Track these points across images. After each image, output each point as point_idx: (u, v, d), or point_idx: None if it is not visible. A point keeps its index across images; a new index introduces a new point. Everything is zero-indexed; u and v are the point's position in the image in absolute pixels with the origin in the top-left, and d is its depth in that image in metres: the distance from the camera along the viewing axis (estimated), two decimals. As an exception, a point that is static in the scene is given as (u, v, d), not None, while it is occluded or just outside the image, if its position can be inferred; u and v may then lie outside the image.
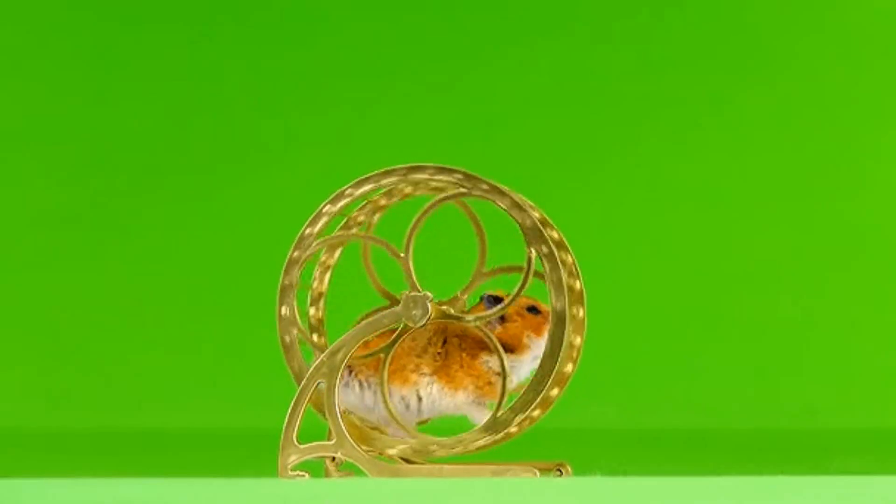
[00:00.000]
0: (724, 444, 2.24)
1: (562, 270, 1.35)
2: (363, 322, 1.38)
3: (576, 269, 1.41)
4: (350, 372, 1.40)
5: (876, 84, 2.66)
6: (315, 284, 1.47)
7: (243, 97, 2.71)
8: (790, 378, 2.54)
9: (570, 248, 1.40)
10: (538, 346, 1.38)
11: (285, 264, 1.40)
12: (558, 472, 1.40)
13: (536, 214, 1.37)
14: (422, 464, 1.39)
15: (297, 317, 1.40)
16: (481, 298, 1.39)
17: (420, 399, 1.39)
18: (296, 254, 1.40)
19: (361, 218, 1.45)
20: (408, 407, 1.39)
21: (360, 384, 1.40)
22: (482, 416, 1.38)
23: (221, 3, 2.73)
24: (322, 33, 2.72)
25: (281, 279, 1.40)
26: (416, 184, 1.41)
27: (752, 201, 2.64)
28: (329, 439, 1.37)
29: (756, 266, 2.61)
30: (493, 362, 1.39)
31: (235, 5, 2.73)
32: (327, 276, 1.47)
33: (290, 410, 1.37)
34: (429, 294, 1.37)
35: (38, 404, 2.56)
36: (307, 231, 1.40)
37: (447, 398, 1.39)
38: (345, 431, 1.37)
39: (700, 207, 2.64)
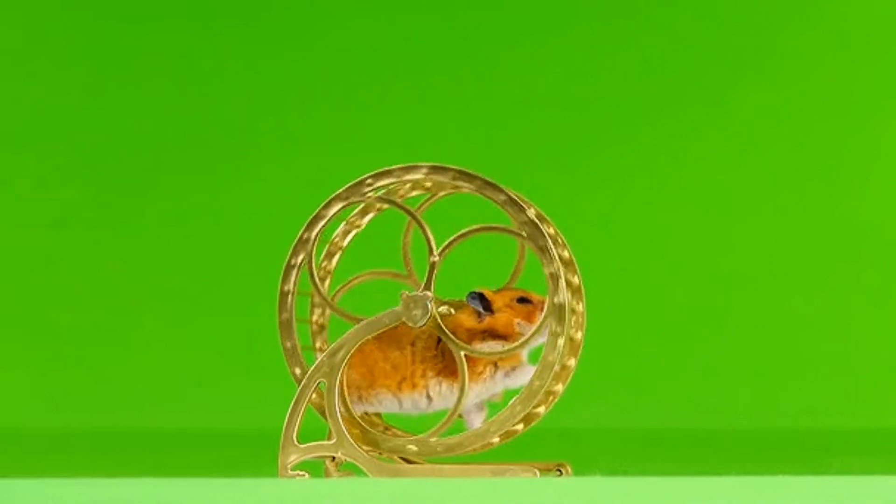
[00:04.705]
0: (724, 444, 2.24)
1: (481, 179, 1.36)
2: (363, 322, 1.38)
3: (573, 265, 1.41)
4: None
5: (876, 84, 2.66)
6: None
7: (243, 97, 2.71)
8: (790, 378, 2.54)
9: (566, 244, 1.41)
10: (530, 332, 1.38)
11: (284, 268, 1.41)
12: (558, 472, 1.41)
13: (567, 256, 1.39)
14: (422, 464, 1.39)
15: (294, 325, 1.40)
16: (467, 297, 1.39)
17: (430, 398, 1.40)
18: (292, 261, 1.40)
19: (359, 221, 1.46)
20: (419, 408, 1.40)
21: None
22: (479, 418, 1.38)
23: (221, 3, 2.73)
24: (321, 33, 2.72)
25: (280, 284, 1.41)
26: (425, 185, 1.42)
27: (752, 201, 2.64)
28: (329, 439, 1.37)
29: (756, 266, 2.61)
30: (486, 348, 1.39)
31: (235, 5, 2.73)
32: (327, 282, 1.47)
33: (290, 410, 1.38)
34: (428, 294, 1.37)
35: (38, 404, 2.56)
36: (304, 235, 1.40)
37: (457, 393, 1.39)
38: (345, 431, 1.37)
39: (700, 207, 2.64)
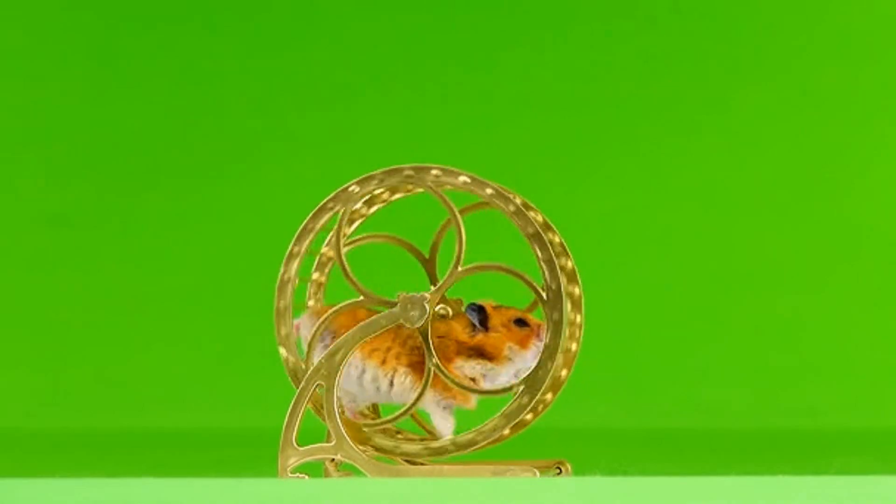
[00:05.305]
0: (724, 444, 2.24)
1: (466, 176, 1.36)
2: (361, 323, 1.38)
3: (565, 250, 1.41)
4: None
5: (876, 84, 2.66)
6: (311, 303, 1.47)
7: (243, 97, 2.71)
8: (790, 378, 2.54)
9: (556, 230, 1.41)
10: (521, 359, 1.38)
11: (278, 286, 1.41)
12: (558, 471, 1.41)
13: (410, 167, 1.38)
14: (422, 464, 1.39)
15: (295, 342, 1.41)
16: (466, 307, 1.39)
17: (392, 385, 1.39)
18: (285, 276, 1.41)
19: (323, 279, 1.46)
20: (378, 389, 1.40)
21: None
22: (445, 426, 1.38)
23: (221, 3, 2.73)
24: (321, 33, 2.72)
25: (279, 276, 1.41)
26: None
27: (752, 201, 2.64)
28: (328, 441, 1.37)
29: (756, 266, 2.61)
30: (466, 368, 1.39)
31: (235, 5, 2.73)
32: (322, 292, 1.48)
33: (289, 412, 1.37)
34: (426, 294, 1.37)
35: (38, 404, 2.56)
36: (309, 225, 1.41)
37: (414, 393, 1.38)
38: (344, 433, 1.37)
39: (700, 207, 2.64)
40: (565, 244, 1.41)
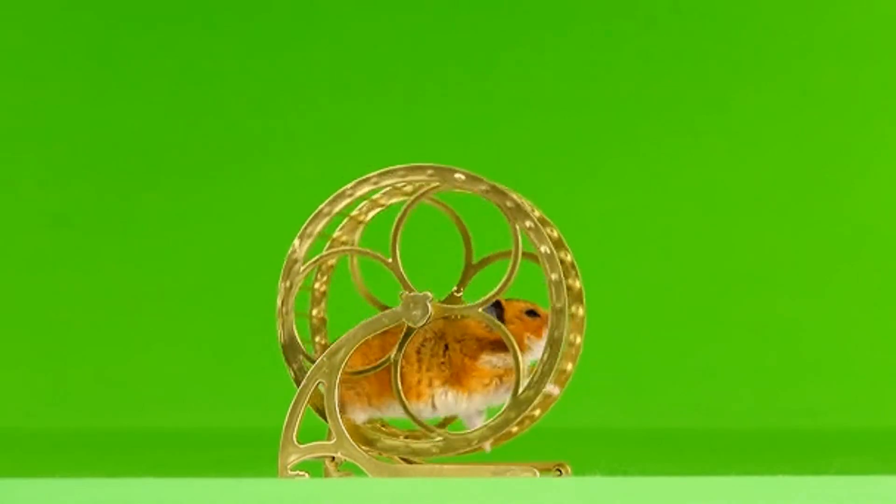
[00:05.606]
0: (724, 444, 2.24)
1: (550, 242, 1.35)
2: (362, 322, 1.38)
3: (574, 269, 1.41)
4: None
5: (876, 84, 2.66)
6: (317, 285, 1.47)
7: (243, 97, 2.71)
8: (790, 378, 2.54)
9: (568, 248, 1.41)
10: (539, 348, 1.38)
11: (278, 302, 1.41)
12: (558, 472, 1.41)
13: (515, 197, 1.37)
14: (422, 464, 1.39)
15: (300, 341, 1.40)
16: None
17: (435, 407, 1.39)
18: (348, 191, 1.40)
19: (344, 237, 1.44)
20: (420, 414, 1.40)
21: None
22: (479, 422, 1.39)
23: (221, 3, 2.73)
24: (321, 34, 2.72)
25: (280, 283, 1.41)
26: (390, 192, 1.41)
27: (752, 201, 2.64)
28: (329, 439, 1.37)
29: (756, 266, 2.61)
30: (495, 360, 1.39)
31: (235, 5, 2.73)
32: (327, 276, 1.47)
33: (289, 410, 1.37)
34: (428, 294, 1.37)
35: (38, 404, 2.56)
36: (308, 229, 1.41)
37: (463, 402, 1.39)
38: (344, 431, 1.37)
39: (700, 207, 2.64)
40: (574, 262, 1.42)
